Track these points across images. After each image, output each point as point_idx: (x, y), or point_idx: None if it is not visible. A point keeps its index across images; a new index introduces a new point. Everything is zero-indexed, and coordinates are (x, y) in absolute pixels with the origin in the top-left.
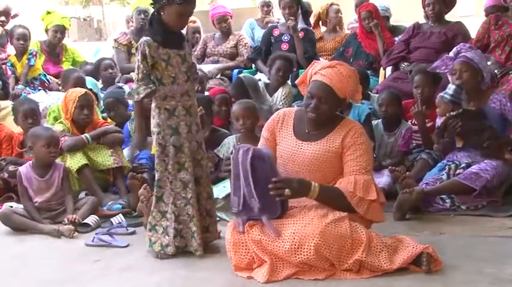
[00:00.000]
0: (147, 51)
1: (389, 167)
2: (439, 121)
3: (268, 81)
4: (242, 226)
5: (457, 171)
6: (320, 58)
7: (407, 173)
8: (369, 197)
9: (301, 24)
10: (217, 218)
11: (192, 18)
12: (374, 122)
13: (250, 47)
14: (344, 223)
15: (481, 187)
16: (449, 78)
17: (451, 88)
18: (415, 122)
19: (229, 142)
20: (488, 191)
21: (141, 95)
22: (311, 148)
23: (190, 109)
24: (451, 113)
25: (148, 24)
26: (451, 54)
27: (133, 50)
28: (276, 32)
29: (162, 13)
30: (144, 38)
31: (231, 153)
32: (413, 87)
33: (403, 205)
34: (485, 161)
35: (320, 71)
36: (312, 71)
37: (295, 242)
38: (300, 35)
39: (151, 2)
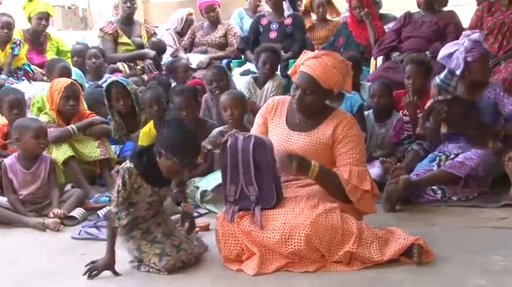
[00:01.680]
0: (127, 180)
1: (380, 158)
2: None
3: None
4: (232, 215)
5: (447, 162)
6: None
7: (398, 164)
8: (363, 187)
9: (288, 11)
10: (206, 211)
11: (189, 10)
12: (365, 113)
13: (239, 36)
14: (335, 213)
15: (466, 175)
16: (459, 61)
17: (443, 72)
18: (407, 113)
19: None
20: (476, 182)
21: (124, 222)
22: (301, 139)
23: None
24: (438, 98)
25: (140, 152)
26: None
27: (119, 39)
28: (264, 21)
29: (158, 158)
30: (126, 165)
31: (226, 141)
32: (404, 77)
33: (391, 195)
34: (471, 150)
35: (306, 61)
36: (299, 62)
37: (286, 233)
38: (288, 21)
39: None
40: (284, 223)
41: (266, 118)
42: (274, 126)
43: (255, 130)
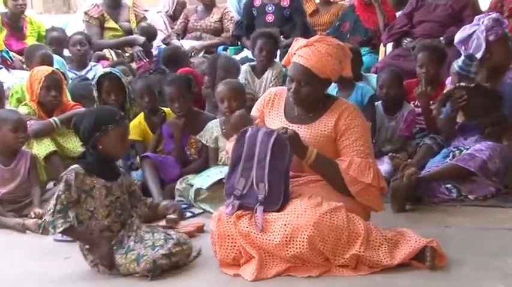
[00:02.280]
0: (72, 182)
1: (390, 153)
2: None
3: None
4: (231, 209)
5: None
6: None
7: (409, 160)
8: (363, 179)
9: None
10: (201, 210)
11: None
12: (375, 104)
13: (235, 21)
14: (340, 213)
15: (477, 169)
16: (480, 43)
17: (461, 58)
18: (419, 104)
19: (213, 127)
20: (490, 177)
21: (59, 230)
22: (302, 132)
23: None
24: (460, 84)
25: (82, 155)
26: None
27: (106, 24)
28: (257, 3)
29: (100, 146)
30: (72, 166)
31: (244, 131)
32: (416, 65)
33: (396, 192)
34: (481, 142)
35: (298, 51)
36: (291, 51)
37: (287, 235)
38: (285, 3)
39: (81, 143)
40: (285, 224)
41: (263, 111)
42: (272, 120)
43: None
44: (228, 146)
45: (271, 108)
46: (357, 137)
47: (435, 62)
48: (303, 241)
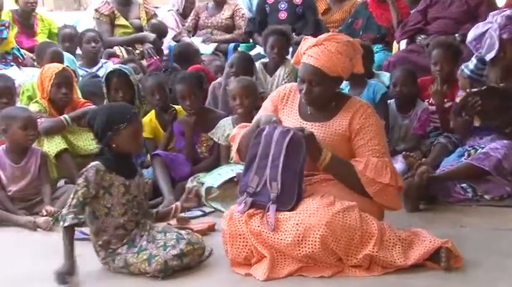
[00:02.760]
0: (93, 178)
1: (404, 152)
2: (458, 96)
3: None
4: (244, 207)
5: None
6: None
7: (424, 159)
8: (380, 180)
9: None
10: (212, 209)
11: None
12: (389, 102)
13: (248, 18)
14: (353, 213)
15: (492, 168)
16: (493, 41)
17: (472, 62)
18: (433, 102)
19: (225, 125)
20: (508, 176)
21: (66, 224)
22: (316, 130)
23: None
24: (471, 90)
25: (101, 151)
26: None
27: (116, 21)
28: (270, 0)
29: (114, 145)
30: (93, 163)
31: (262, 130)
32: (431, 63)
33: (409, 191)
34: (497, 140)
35: (307, 51)
36: (300, 50)
37: (299, 234)
38: (298, 1)
39: (96, 142)
40: (297, 224)
41: (277, 106)
42: (286, 116)
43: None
44: (230, 134)
45: (286, 105)
46: (371, 137)
47: (450, 60)
48: (316, 241)
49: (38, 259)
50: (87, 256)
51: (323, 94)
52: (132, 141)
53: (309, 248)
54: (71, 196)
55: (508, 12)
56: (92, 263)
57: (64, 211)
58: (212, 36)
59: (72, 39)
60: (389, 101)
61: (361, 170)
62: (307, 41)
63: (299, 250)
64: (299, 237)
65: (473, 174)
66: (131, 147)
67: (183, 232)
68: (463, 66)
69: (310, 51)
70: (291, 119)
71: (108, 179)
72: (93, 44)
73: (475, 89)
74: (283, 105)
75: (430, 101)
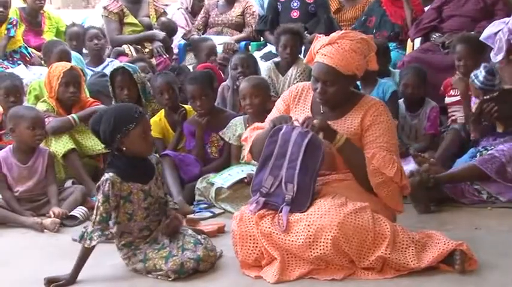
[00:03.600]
0: (110, 192)
1: (413, 151)
2: (473, 104)
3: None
4: (256, 206)
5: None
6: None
7: (432, 159)
8: (385, 171)
9: None
10: (222, 210)
11: None
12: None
13: (259, 15)
14: (366, 214)
15: (494, 172)
16: (502, 44)
17: (481, 73)
18: (452, 93)
19: (236, 124)
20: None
21: (94, 243)
22: None
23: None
24: (485, 97)
25: (112, 160)
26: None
27: (125, 19)
28: None
29: (124, 148)
30: (107, 175)
31: (278, 129)
32: (455, 58)
33: (414, 191)
34: (505, 143)
35: (320, 49)
36: (313, 49)
37: (310, 236)
38: None
39: (105, 147)
40: (308, 225)
41: (289, 105)
42: (298, 115)
43: (273, 116)
44: (244, 135)
45: (298, 104)
46: (381, 133)
47: (474, 55)
48: (327, 242)
49: (44, 261)
50: (94, 257)
51: (338, 93)
52: (142, 141)
53: (320, 249)
54: (94, 212)
55: None
56: (99, 265)
57: (89, 228)
58: (228, 42)
59: (79, 37)
60: (400, 101)
61: (369, 157)
62: (320, 39)
63: (310, 252)
64: (310, 238)
65: (476, 176)
66: (142, 148)
67: (199, 237)
68: (473, 76)
69: (323, 50)
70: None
71: (126, 188)
72: (95, 41)
73: (488, 96)
74: (295, 104)
75: (450, 93)
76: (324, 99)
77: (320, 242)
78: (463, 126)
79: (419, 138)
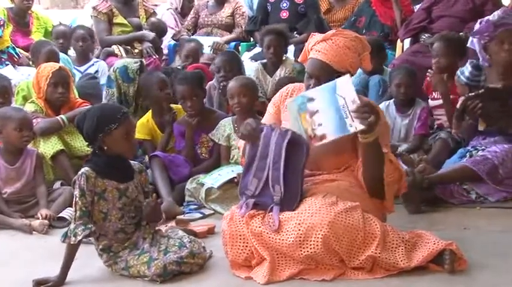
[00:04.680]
0: (85, 186)
1: (399, 151)
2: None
3: None
4: (246, 209)
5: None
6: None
7: (424, 156)
8: (399, 167)
9: None
10: (212, 211)
11: None
12: (386, 103)
13: (248, 16)
14: (356, 213)
15: (485, 174)
16: (477, 48)
17: (467, 68)
18: (435, 96)
19: (225, 125)
20: (504, 181)
21: (79, 238)
22: None
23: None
24: (470, 94)
25: (92, 156)
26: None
27: (115, 19)
28: None
29: (105, 147)
30: (82, 169)
31: (260, 131)
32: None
33: (408, 191)
34: (498, 145)
35: (314, 46)
36: (308, 47)
37: (301, 234)
38: (300, 0)
39: (88, 144)
40: (299, 223)
41: (279, 107)
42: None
43: (266, 120)
44: (239, 143)
45: None
46: (380, 133)
47: (449, 54)
48: (318, 241)
49: (33, 263)
50: (83, 259)
51: None
52: (124, 142)
53: (310, 248)
54: (73, 209)
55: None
56: (88, 267)
57: (71, 226)
58: (217, 42)
59: (66, 36)
60: (388, 102)
61: (386, 152)
62: (315, 37)
63: (301, 251)
64: (301, 237)
65: (468, 176)
66: (123, 148)
67: (186, 239)
68: (459, 73)
69: (317, 46)
70: None
71: (101, 184)
72: (81, 43)
73: (473, 93)
74: (285, 105)
75: (433, 97)
76: None
77: (310, 240)
78: (449, 134)
79: (409, 139)
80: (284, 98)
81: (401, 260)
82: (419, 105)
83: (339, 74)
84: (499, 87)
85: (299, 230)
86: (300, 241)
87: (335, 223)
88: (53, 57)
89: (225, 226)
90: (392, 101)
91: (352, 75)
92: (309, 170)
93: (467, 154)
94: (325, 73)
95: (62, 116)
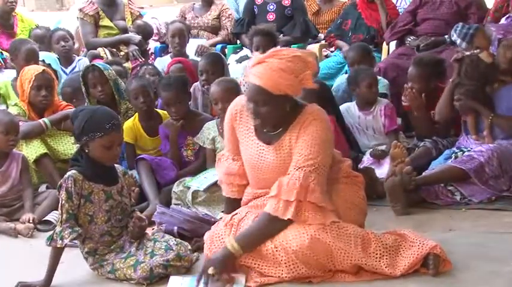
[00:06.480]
0: (72, 189)
1: (371, 150)
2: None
3: None
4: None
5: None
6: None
7: (407, 159)
8: (287, 198)
9: None
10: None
11: None
12: (346, 105)
13: (234, 19)
14: (327, 234)
15: (473, 172)
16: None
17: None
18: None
19: (210, 128)
20: (490, 180)
21: (66, 241)
22: (270, 154)
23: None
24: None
25: (75, 157)
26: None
27: (101, 22)
28: (258, 1)
29: (87, 150)
30: (69, 172)
31: None
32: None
33: (393, 191)
34: (483, 145)
35: (251, 69)
36: (248, 68)
37: (279, 258)
38: (287, 2)
39: (74, 141)
40: (274, 246)
41: (233, 127)
42: (244, 137)
43: (227, 146)
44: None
45: (240, 122)
46: (305, 146)
47: (422, 79)
48: (296, 264)
49: (18, 266)
50: (69, 262)
51: (272, 113)
52: (105, 151)
53: (292, 272)
54: (59, 212)
55: None
56: (74, 270)
57: (57, 229)
58: (202, 45)
59: (43, 40)
60: (348, 105)
61: (274, 195)
62: (255, 57)
63: (281, 272)
64: (279, 260)
65: (455, 176)
66: (103, 158)
67: (173, 242)
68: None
69: (253, 69)
70: (248, 140)
71: (87, 187)
72: (62, 43)
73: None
74: (237, 123)
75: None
76: (260, 120)
77: (290, 265)
78: (435, 144)
79: (382, 137)
80: (235, 114)
81: (386, 268)
82: (382, 103)
83: (277, 98)
84: (488, 62)
85: (279, 255)
86: (277, 263)
87: (306, 253)
88: (32, 55)
89: (206, 250)
90: (353, 103)
91: (291, 97)
92: (263, 188)
93: (453, 155)
94: (262, 97)
95: (45, 119)
